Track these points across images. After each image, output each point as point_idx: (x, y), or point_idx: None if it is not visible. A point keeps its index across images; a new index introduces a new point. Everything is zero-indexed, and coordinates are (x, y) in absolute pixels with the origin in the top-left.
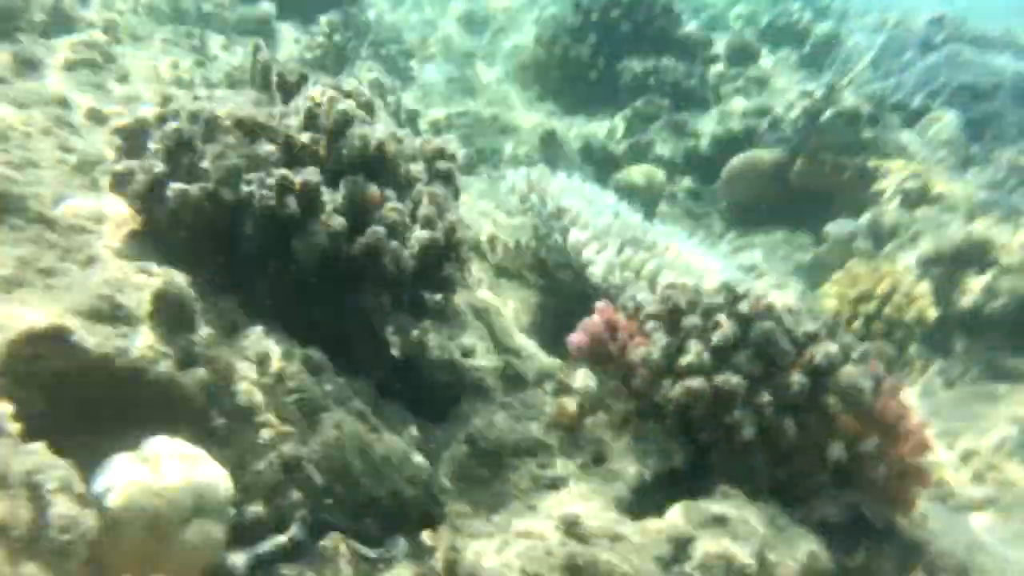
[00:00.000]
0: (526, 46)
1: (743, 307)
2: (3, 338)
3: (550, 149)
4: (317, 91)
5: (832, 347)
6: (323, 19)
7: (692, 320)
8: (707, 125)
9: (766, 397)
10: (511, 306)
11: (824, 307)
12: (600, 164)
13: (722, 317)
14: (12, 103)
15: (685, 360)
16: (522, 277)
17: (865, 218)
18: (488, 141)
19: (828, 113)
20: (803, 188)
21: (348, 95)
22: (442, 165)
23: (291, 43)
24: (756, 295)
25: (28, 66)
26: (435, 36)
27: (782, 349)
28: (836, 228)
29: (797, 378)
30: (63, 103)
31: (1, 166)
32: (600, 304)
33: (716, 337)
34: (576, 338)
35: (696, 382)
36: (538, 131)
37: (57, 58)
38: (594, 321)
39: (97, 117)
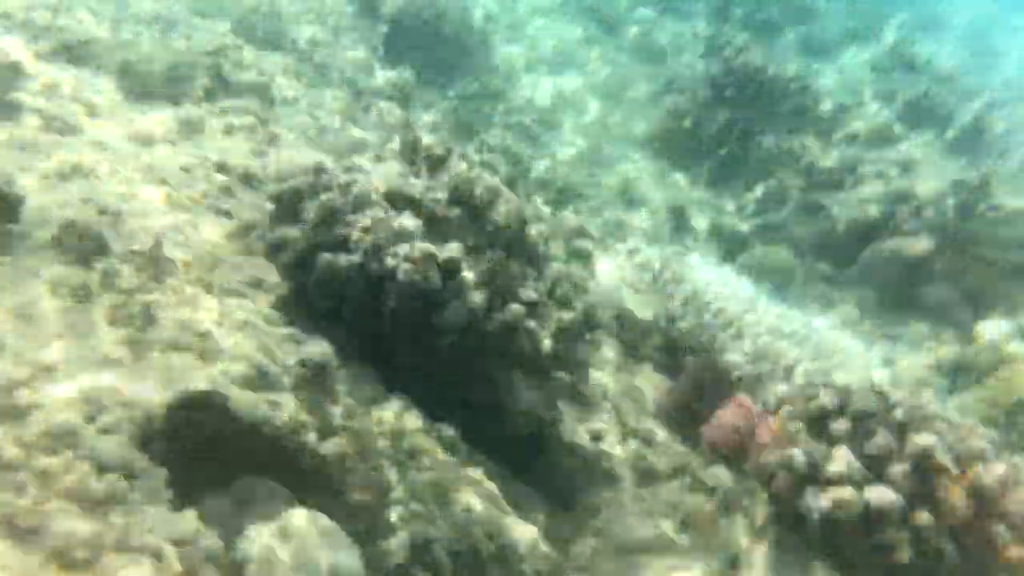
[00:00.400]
0: (657, 118)
1: (899, 415)
2: (163, 399)
3: (678, 224)
4: (463, 167)
5: (1000, 468)
6: (459, 85)
7: (841, 424)
8: (843, 208)
9: (925, 517)
10: (640, 388)
11: (973, 413)
12: (729, 242)
13: (876, 425)
14: (176, 165)
15: (833, 468)
16: (652, 358)
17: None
18: (616, 213)
19: (982, 206)
20: (950, 281)
21: (493, 171)
22: (580, 244)
23: (427, 108)
24: (913, 402)
25: (192, 129)
26: (567, 106)
27: (944, 466)
28: (989, 328)
29: (960, 500)
30: (223, 168)
31: (169, 231)
32: (738, 397)
33: (870, 446)
34: (712, 432)
35: (845, 493)
36: (666, 205)
37: (217, 122)
38: (731, 414)
39: (252, 182)
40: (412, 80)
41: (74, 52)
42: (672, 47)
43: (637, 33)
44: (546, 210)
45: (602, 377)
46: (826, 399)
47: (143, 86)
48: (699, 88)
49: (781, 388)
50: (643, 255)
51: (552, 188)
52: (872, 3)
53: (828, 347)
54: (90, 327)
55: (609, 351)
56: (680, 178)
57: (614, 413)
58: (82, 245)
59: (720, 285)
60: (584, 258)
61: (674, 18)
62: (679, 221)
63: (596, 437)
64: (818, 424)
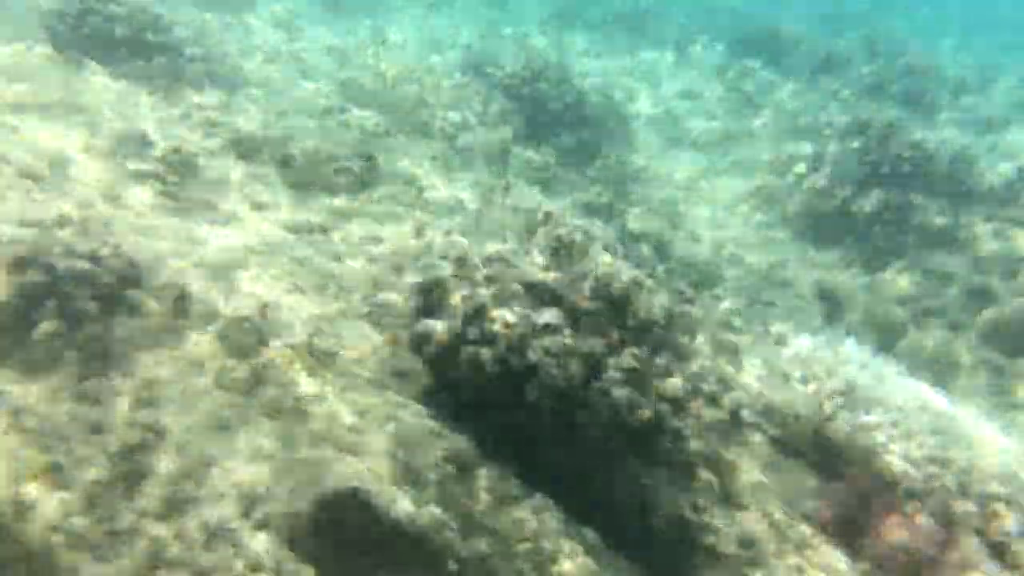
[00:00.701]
0: (800, 192)
1: None
2: (311, 496)
3: (828, 307)
4: (605, 259)
5: None
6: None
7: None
8: (1016, 292)
9: None
10: (792, 488)
11: None
12: (884, 329)
13: None
14: (330, 256)
15: None
16: (801, 454)
17: None
18: (761, 295)
19: None
20: None
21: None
22: (727, 338)
23: (569, 188)
24: None
25: (344, 219)
26: (703, 183)
27: None
28: None
29: None
30: (372, 259)
31: (319, 321)
32: (909, 509)
33: None
34: (879, 549)
35: None
36: (815, 289)
37: (367, 212)
38: (899, 531)
39: (400, 268)
40: (552, 161)
41: (242, 147)
42: (810, 125)
43: (778, 109)
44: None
45: (750, 476)
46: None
47: (302, 178)
48: (848, 164)
49: (957, 505)
50: (794, 345)
51: (695, 269)
52: None
53: (1007, 455)
54: (246, 420)
55: (758, 447)
56: (827, 256)
57: (764, 516)
58: (243, 339)
59: (877, 378)
60: (731, 351)
61: (816, 96)
62: (829, 303)
63: (747, 544)
64: (1000, 548)
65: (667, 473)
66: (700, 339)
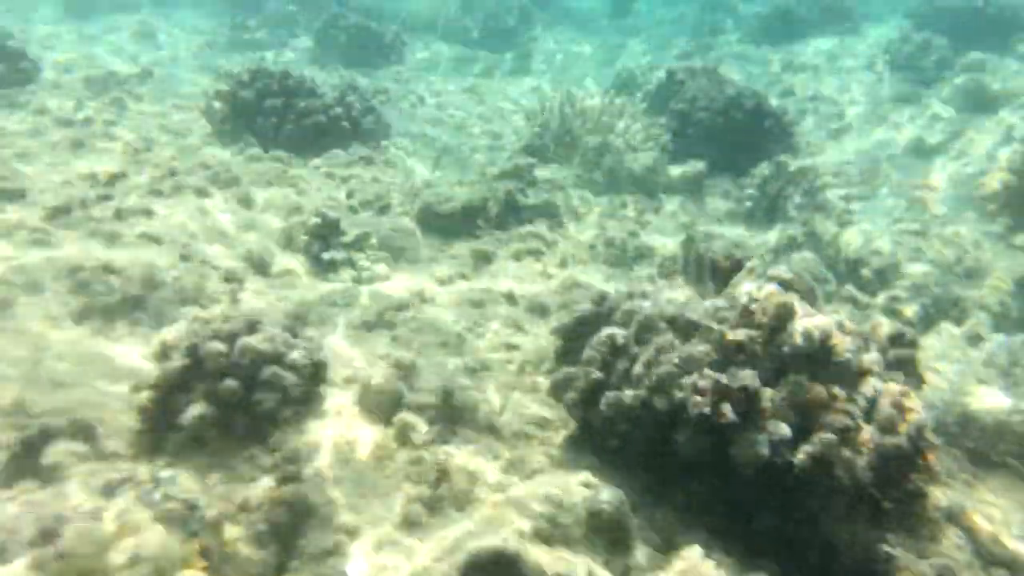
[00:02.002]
0: (991, 175)
1: None
2: (455, 560)
3: None
4: (753, 285)
5: None
6: (754, 171)
7: None
8: None
9: None
10: (995, 504)
11: None
12: None
13: None
14: (469, 303)
15: None
16: (1007, 466)
17: None
18: (949, 289)
19: None
20: None
21: (788, 285)
22: (900, 353)
23: (721, 198)
24: None
25: (484, 259)
26: (876, 174)
27: None
28: None
29: None
30: (510, 298)
31: (460, 375)
32: None
33: None
34: None
35: None
36: (1014, 274)
37: (507, 249)
38: None
39: (540, 309)
40: (704, 171)
41: (383, 202)
42: (1002, 93)
43: (961, 83)
44: (859, 296)
45: (941, 496)
46: None
47: (439, 225)
48: None
49: None
50: (993, 346)
51: (867, 266)
52: None
53: None
54: (389, 487)
55: (948, 461)
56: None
57: (964, 541)
58: (381, 401)
59: None
60: (906, 368)
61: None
62: None
63: (943, 574)
64: None
65: (842, 503)
66: (870, 358)
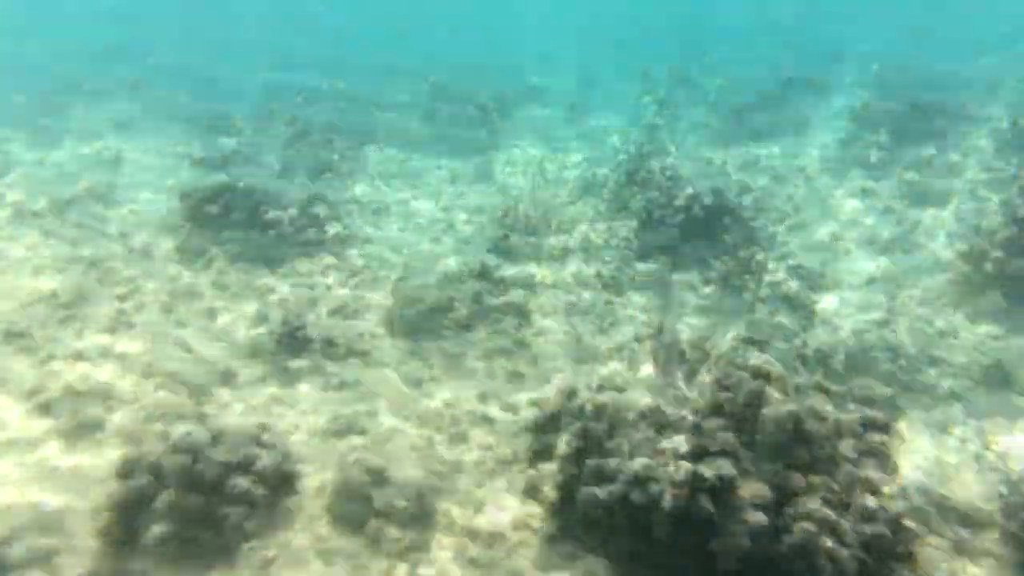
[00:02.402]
0: (945, 262)
1: None
2: None
3: (995, 382)
4: (722, 371)
5: None
6: (718, 264)
7: None
8: None
9: None
10: None
11: None
12: None
13: None
14: (442, 403)
15: None
16: (991, 554)
17: None
18: (916, 375)
19: None
20: None
21: (757, 372)
22: (874, 439)
23: (686, 290)
24: None
25: (453, 360)
26: (837, 264)
27: None
28: None
29: None
30: (482, 397)
31: (426, 477)
32: None
33: None
34: None
35: None
36: (978, 361)
37: (476, 350)
38: None
39: (511, 408)
40: (668, 265)
41: (348, 309)
42: (941, 191)
43: (909, 178)
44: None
45: None
46: None
47: (410, 326)
48: (997, 227)
49: None
50: (961, 432)
51: (835, 359)
52: None
53: None
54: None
55: (930, 548)
56: (987, 327)
57: None
58: (351, 509)
59: None
60: (881, 456)
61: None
62: (996, 379)
63: None
64: None
65: None
66: (846, 444)
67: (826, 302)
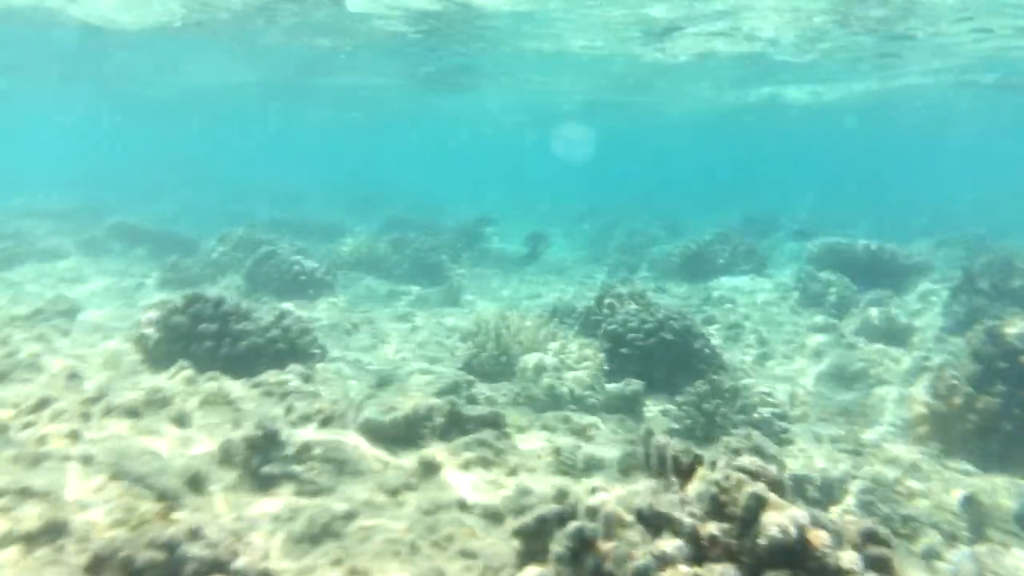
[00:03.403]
0: (914, 400)
1: None
2: None
3: (973, 516)
4: (721, 473)
5: None
6: (689, 389)
7: None
8: None
9: None
10: None
11: None
12: None
13: None
14: (420, 512)
15: None
16: None
17: None
18: (893, 508)
19: None
20: None
21: (755, 475)
22: (875, 552)
23: (658, 415)
24: None
25: (430, 470)
26: (804, 397)
27: None
28: None
29: None
30: (463, 506)
31: None
32: None
33: None
34: None
35: None
36: (955, 498)
37: (455, 460)
38: None
39: (494, 517)
40: (640, 389)
41: (323, 415)
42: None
43: (870, 316)
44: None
45: None
46: None
47: (384, 439)
48: (965, 363)
49: None
50: (958, 562)
51: (812, 483)
52: None
53: None
54: None
55: None
56: (961, 464)
57: None
58: None
59: None
60: (884, 567)
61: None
62: (975, 513)
63: None
64: None
65: None
66: (848, 558)
67: (795, 430)
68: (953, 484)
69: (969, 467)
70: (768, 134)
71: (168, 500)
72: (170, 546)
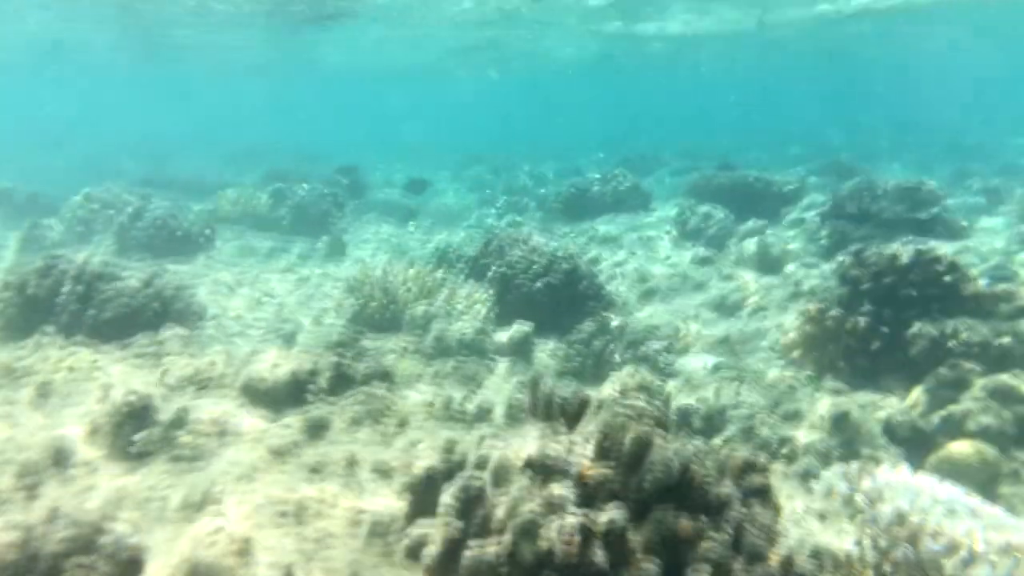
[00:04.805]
0: (791, 325)
1: None
2: None
3: (846, 434)
4: (606, 416)
5: None
6: (578, 327)
7: None
8: None
9: None
10: None
11: None
12: (908, 444)
13: None
14: (309, 470)
15: None
16: None
17: None
18: (772, 431)
19: None
20: None
21: (639, 415)
22: (755, 480)
23: (548, 357)
24: None
25: (319, 427)
26: (688, 328)
27: None
28: None
29: None
30: (351, 462)
31: (295, 554)
32: None
33: None
34: None
35: None
36: (828, 414)
37: (343, 416)
38: None
39: (383, 470)
40: (530, 332)
41: (201, 379)
42: (784, 253)
43: (746, 247)
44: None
45: None
46: None
47: (268, 400)
48: (834, 287)
49: None
50: (827, 478)
51: (696, 414)
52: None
53: None
54: None
55: None
56: (832, 383)
57: None
58: None
59: (927, 497)
60: (763, 496)
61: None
62: (846, 430)
63: None
64: None
65: None
66: (727, 489)
67: (681, 362)
68: (826, 404)
69: (841, 385)
70: (640, 74)
71: (28, 476)
72: (27, 529)
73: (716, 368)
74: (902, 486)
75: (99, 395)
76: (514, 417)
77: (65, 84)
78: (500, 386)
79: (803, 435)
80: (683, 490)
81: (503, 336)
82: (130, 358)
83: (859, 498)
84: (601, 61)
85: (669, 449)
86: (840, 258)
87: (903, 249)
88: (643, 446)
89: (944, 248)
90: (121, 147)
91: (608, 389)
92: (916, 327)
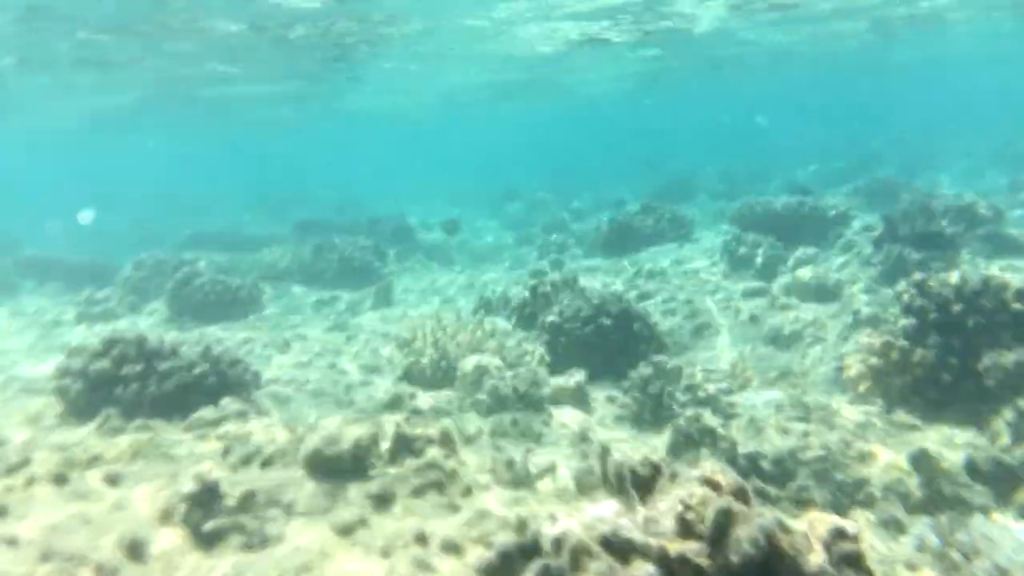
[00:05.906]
0: (851, 357)
1: None
2: None
3: (925, 472)
4: (685, 490)
5: None
6: (633, 372)
7: None
8: None
9: None
10: None
11: None
12: (992, 480)
13: None
14: (378, 552)
15: None
16: None
17: None
18: (846, 474)
19: None
20: None
21: (716, 486)
22: (844, 547)
23: (606, 404)
24: None
25: (382, 502)
26: (745, 364)
27: None
28: None
29: None
30: (421, 539)
31: None
32: None
33: None
34: None
35: None
36: (904, 452)
37: (405, 487)
38: None
39: (453, 547)
40: (584, 379)
41: (260, 456)
42: (838, 281)
43: (799, 276)
44: (767, 488)
45: None
46: None
47: (332, 471)
48: (898, 317)
49: None
50: (920, 534)
51: (764, 458)
52: None
53: None
54: None
55: None
56: (904, 417)
57: None
58: None
59: None
60: (854, 564)
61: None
62: (926, 469)
63: None
64: None
65: None
66: (817, 559)
67: (742, 401)
68: (901, 440)
69: (913, 419)
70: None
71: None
72: None
73: (779, 406)
74: (999, 539)
75: (166, 480)
76: (580, 481)
77: (104, 150)
78: (559, 440)
79: (879, 475)
80: (772, 563)
81: (557, 384)
82: (192, 439)
83: (954, 554)
84: (638, 89)
85: (753, 519)
86: (902, 286)
87: (969, 276)
88: (727, 518)
89: (1014, 278)
90: (161, 206)
91: (667, 439)
92: (989, 357)
